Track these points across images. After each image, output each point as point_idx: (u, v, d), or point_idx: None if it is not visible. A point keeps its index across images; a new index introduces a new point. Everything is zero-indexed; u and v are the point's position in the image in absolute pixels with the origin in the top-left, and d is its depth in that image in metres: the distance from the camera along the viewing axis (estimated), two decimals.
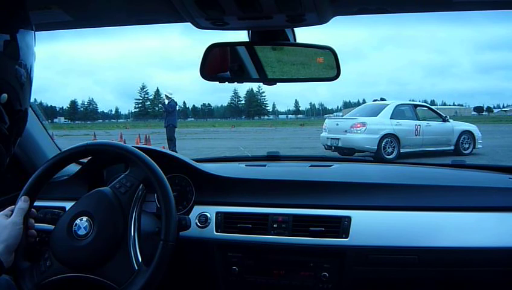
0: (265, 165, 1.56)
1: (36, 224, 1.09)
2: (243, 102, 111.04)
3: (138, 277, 1.00)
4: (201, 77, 1.13)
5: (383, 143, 8.94)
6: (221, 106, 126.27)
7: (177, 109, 11.03)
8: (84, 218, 1.05)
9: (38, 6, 0.94)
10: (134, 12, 1.07)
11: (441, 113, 10.18)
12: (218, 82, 1.16)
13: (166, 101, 10.25)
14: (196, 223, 1.30)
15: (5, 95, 0.64)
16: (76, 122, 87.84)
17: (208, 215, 1.31)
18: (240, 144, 14.44)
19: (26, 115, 0.73)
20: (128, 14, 1.08)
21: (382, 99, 10.57)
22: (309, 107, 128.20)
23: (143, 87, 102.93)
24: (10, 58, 0.65)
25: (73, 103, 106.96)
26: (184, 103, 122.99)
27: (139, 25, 1.12)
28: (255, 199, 1.32)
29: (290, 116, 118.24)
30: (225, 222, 1.29)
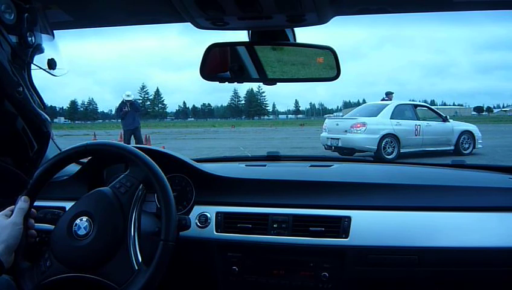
0: (265, 165, 1.56)
1: (36, 224, 1.09)
2: (243, 102, 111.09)
3: (138, 276, 1.00)
4: (201, 77, 1.13)
5: (383, 143, 8.93)
6: (221, 106, 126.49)
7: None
8: (84, 218, 1.05)
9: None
10: (134, 12, 1.07)
11: (441, 113, 10.17)
12: (218, 82, 1.16)
13: (128, 101, 9.34)
14: (196, 223, 1.30)
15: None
16: (76, 122, 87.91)
17: (208, 215, 1.31)
18: (240, 144, 14.44)
19: (49, 137, 0.72)
20: (128, 14, 1.08)
21: (389, 93, 10.59)
22: (309, 107, 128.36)
23: (143, 87, 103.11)
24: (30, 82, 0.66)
25: (73, 103, 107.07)
26: (184, 103, 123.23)
27: (139, 25, 1.12)
28: (255, 199, 1.32)
29: (290, 116, 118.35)
30: (225, 222, 1.29)
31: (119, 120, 9.99)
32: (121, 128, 9.94)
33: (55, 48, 0.78)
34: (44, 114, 0.69)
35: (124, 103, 9.35)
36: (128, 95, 9.58)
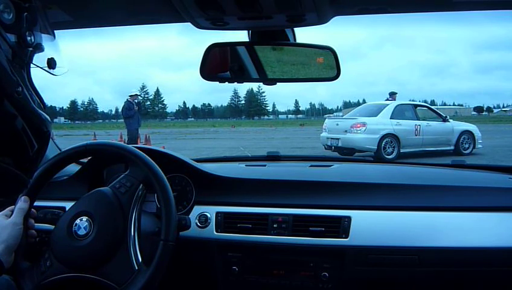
0: (265, 165, 1.56)
1: (36, 224, 1.09)
2: (243, 102, 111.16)
3: (138, 277, 1.00)
4: (201, 77, 1.13)
5: (383, 143, 8.93)
6: (221, 106, 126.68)
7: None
8: (84, 218, 1.05)
9: None
10: (134, 12, 1.07)
11: (441, 113, 10.17)
12: (218, 82, 1.16)
13: (134, 97, 9.70)
14: (196, 223, 1.30)
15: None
16: (77, 122, 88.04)
17: (208, 215, 1.31)
18: (240, 144, 14.44)
19: (49, 137, 0.72)
20: (128, 14, 1.08)
21: (393, 93, 10.59)
22: (309, 107, 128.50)
23: (143, 87, 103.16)
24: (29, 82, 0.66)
25: (73, 103, 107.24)
26: (184, 103, 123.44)
27: (139, 25, 1.12)
28: (255, 199, 1.32)
29: (290, 116, 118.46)
30: (225, 222, 1.29)
31: (123, 119, 10.07)
32: (125, 127, 10.05)
33: (55, 48, 0.77)
34: (44, 114, 0.69)
35: (131, 103, 9.49)
36: (135, 93, 9.83)
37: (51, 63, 0.73)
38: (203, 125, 46.35)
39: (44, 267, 1.04)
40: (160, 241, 1.03)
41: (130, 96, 9.76)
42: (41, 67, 0.72)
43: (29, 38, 0.68)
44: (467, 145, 9.71)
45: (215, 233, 1.28)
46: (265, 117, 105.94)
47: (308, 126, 33.38)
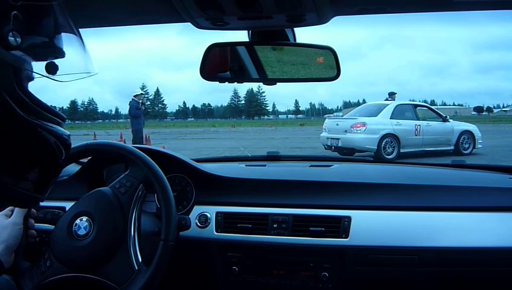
0: (265, 165, 1.56)
1: (36, 224, 1.09)
2: (243, 102, 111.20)
3: (138, 277, 1.00)
4: (201, 77, 1.13)
5: (383, 143, 8.93)
6: (221, 106, 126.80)
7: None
8: (84, 218, 1.05)
9: None
10: (134, 12, 1.07)
11: (441, 113, 10.17)
12: (218, 82, 1.16)
13: (140, 101, 9.84)
14: (196, 223, 1.30)
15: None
16: (77, 122, 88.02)
17: (208, 215, 1.31)
18: (240, 144, 14.44)
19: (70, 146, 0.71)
20: (128, 14, 1.08)
21: (392, 93, 10.60)
22: (309, 107, 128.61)
23: (143, 87, 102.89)
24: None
25: (73, 103, 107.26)
26: (184, 103, 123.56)
27: (139, 25, 1.12)
28: (255, 199, 1.32)
29: (290, 116, 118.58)
30: (225, 222, 1.29)
31: (130, 119, 10.17)
32: (127, 127, 10.16)
33: (77, 50, 0.73)
34: (47, 123, 0.66)
35: (137, 102, 9.58)
36: (140, 92, 9.99)
37: (51, 68, 0.68)
38: (203, 125, 46.38)
39: (44, 267, 1.04)
40: (160, 241, 1.03)
41: (135, 96, 9.82)
42: (40, 74, 0.67)
43: (12, 38, 0.61)
44: (467, 145, 9.72)
45: (215, 233, 1.28)
46: (265, 117, 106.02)
47: (308, 126, 33.39)
